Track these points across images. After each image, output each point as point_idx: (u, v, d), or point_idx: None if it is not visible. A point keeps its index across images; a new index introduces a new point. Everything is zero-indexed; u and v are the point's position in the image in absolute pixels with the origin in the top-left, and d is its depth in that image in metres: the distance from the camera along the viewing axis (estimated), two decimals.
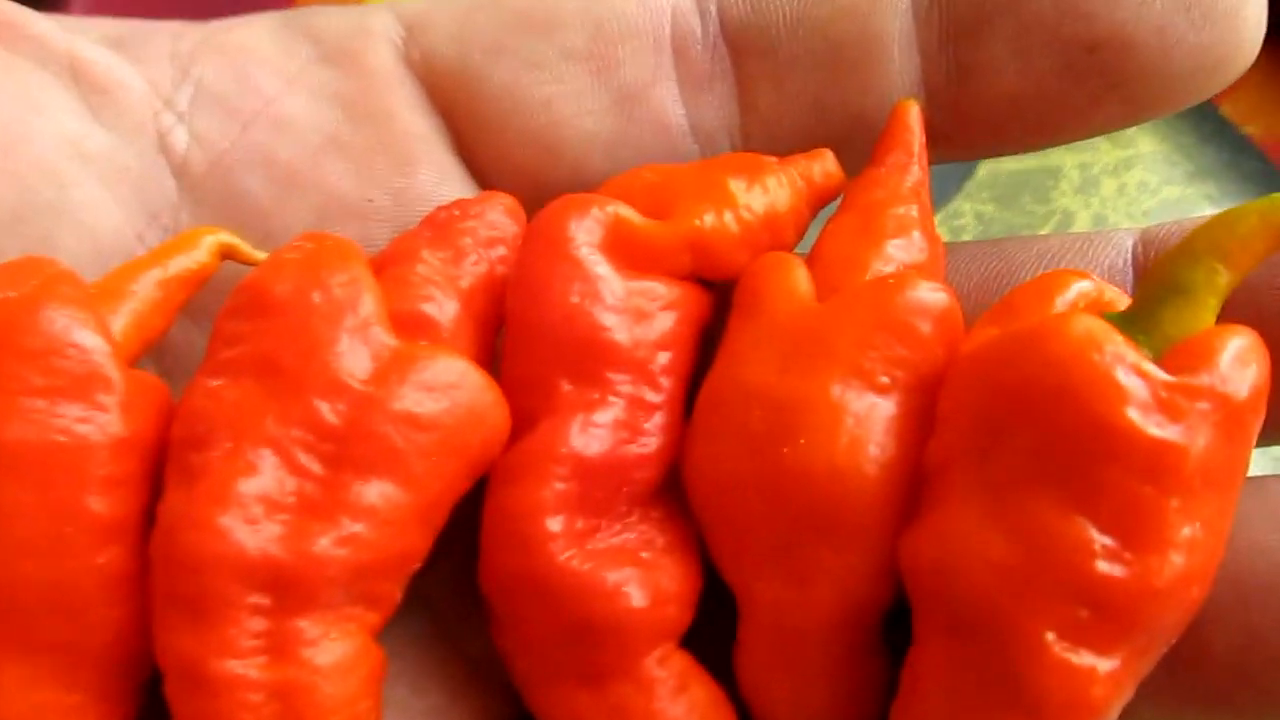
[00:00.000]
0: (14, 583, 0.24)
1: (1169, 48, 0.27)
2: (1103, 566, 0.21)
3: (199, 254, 0.28)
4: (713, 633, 0.27)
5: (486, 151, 0.30)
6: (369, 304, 0.25)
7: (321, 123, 0.30)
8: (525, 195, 0.29)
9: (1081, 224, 0.53)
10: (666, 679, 0.25)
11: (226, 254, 0.28)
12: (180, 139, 0.30)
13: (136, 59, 0.30)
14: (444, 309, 0.27)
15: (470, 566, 0.26)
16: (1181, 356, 0.22)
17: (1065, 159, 0.54)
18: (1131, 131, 0.54)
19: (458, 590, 0.27)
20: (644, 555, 0.26)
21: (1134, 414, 0.21)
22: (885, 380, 0.25)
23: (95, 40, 0.30)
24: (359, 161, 0.30)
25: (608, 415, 0.26)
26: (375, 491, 0.24)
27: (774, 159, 0.28)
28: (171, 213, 0.29)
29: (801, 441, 0.24)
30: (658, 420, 0.26)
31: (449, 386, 0.25)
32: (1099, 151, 0.54)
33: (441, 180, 0.30)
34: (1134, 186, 0.53)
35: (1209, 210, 0.52)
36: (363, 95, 0.30)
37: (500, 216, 0.29)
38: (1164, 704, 0.25)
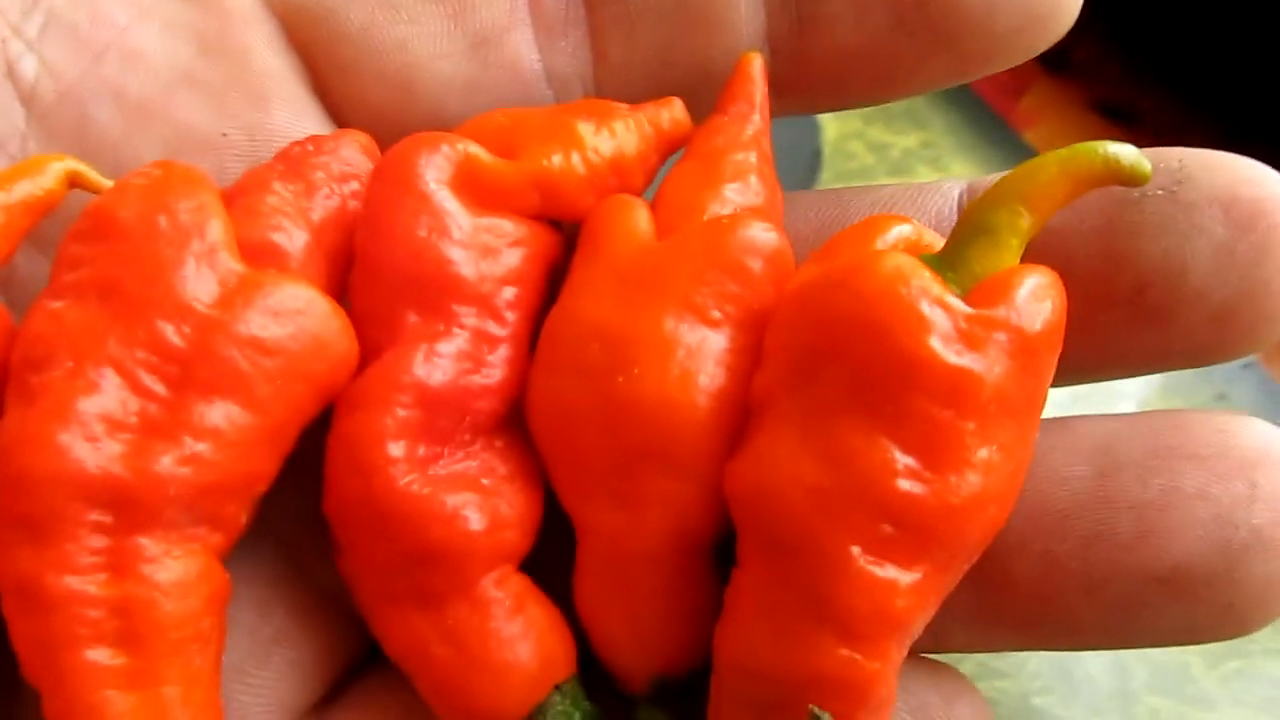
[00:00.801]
0: None
1: (994, 6, 0.28)
2: (904, 485, 0.23)
3: (45, 180, 0.27)
4: (558, 563, 0.27)
5: (343, 91, 0.31)
6: (216, 230, 0.26)
7: (175, 57, 0.30)
8: (382, 136, 0.30)
9: None
10: (503, 599, 0.26)
11: (74, 182, 0.28)
12: (29, 67, 0.29)
13: None
14: (294, 239, 0.27)
15: (319, 497, 0.27)
16: (984, 292, 0.24)
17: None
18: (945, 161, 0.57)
19: (306, 520, 0.28)
20: (485, 482, 0.27)
21: (935, 343, 0.23)
22: (717, 315, 0.26)
23: None
24: (213, 96, 0.30)
25: (451, 346, 0.27)
26: (219, 413, 0.24)
27: (624, 105, 0.29)
28: (19, 141, 0.29)
29: (635, 372, 0.25)
30: (501, 353, 0.27)
31: (295, 313, 0.25)
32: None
33: (297, 118, 0.30)
34: None
35: None
36: (218, 31, 0.30)
37: (354, 154, 0.29)
38: (974, 629, 0.27)
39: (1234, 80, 0.52)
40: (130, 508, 0.24)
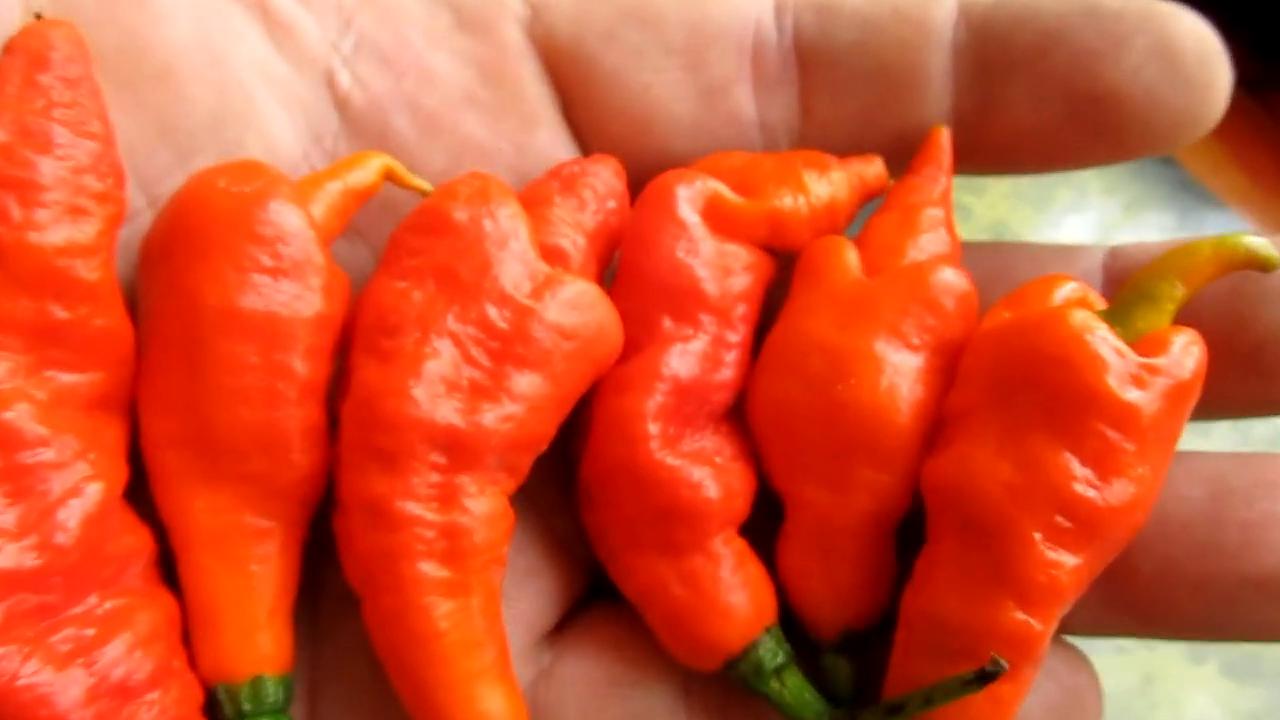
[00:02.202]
0: (232, 424, 0.29)
1: (1154, 106, 0.34)
2: (1080, 489, 0.29)
3: (369, 172, 0.33)
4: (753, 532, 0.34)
5: (590, 122, 0.37)
6: (527, 234, 0.31)
7: (461, 80, 0.36)
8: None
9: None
10: (729, 555, 0.32)
11: (389, 177, 0.34)
12: (344, 79, 0.35)
13: (308, 5, 0.35)
14: (575, 245, 0.33)
15: (559, 463, 0.33)
16: (1147, 345, 0.30)
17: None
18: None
19: (548, 479, 0.34)
20: (718, 460, 0.33)
21: (1112, 381, 0.29)
22: (916, 341, 0.32)
23: None
24: (490, 116, 0.36)
25: (698, 347, 0.33)
26: (527, 383, 0.30)
27: (835, 158, 0.35)
28: (332, 139, 0.35)
29: (851, 382, 0.32)
30: (734, 357, 0.33)
31: (587, 306, 0.31)
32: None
33: (555, 141, 0.36)
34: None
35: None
36: (496, 62, 0.36)
37: (611, 176, 0.35)
38: (1099, 614, 0.33)
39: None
40: (461, 452, 0.29)
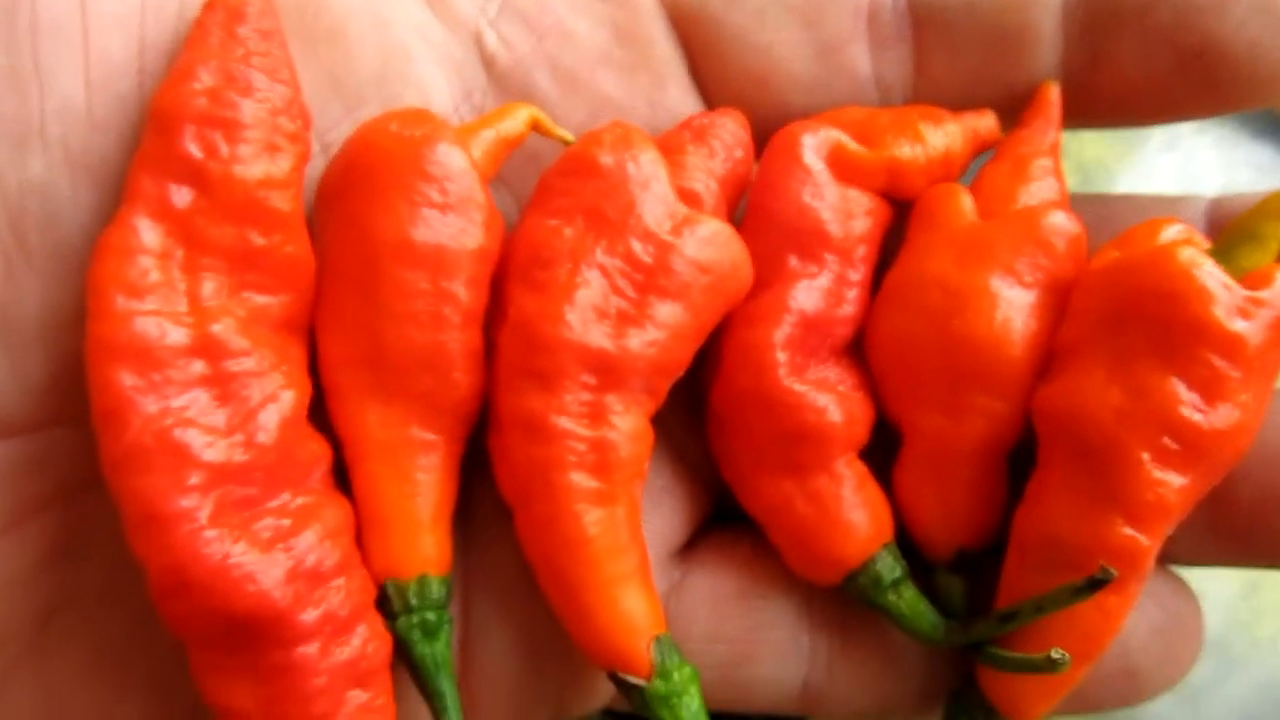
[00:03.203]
0: (401, 345, 0.32)
1: (1257, 59, 0.35)
2: (1187, 413, 0.31)
3: (518, 122, 0.36)
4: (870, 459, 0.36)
5: (715, 79, 0.39)
6: (665, 178, 0.34)
7: (597, 40, 0.38)
8: None
9: None
10: (851, 477, 0.35)
11: (535, 127, 0.36)
12: (491, 39, 0.38)
13: None
14: (708, 188, 0.36)
15: (687, 392, 0.35)
16: (1251, 280, 0.32)
17: None
18: None
19: (679, 407, 0.36)
20: (840, 388, 0.35)
21: (1219, 312, 0.31)
22: (1029, 279, 0.34)
23: None
24: (625, 74, 0.38)
25: (822, 284, 0.35)
26: (669, 312, 0.33)
27: (950, 112, 0.38)
28: (480, 95, 0.37)
29: (968, 315, 0.34)
30: (854, 294, 0.36)
31: (722, 243, 0.34)
32: None
33: (683, 96, 0.39)
34: None
35: None
36: (629, 22, 0.38)
37: (737, 128, 0.37)
38: (1199, 541, 0.35)
39: None
40: (609, 373, 0.32)
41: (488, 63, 0.38)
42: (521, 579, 0.34)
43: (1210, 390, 0.31)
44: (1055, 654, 0.31)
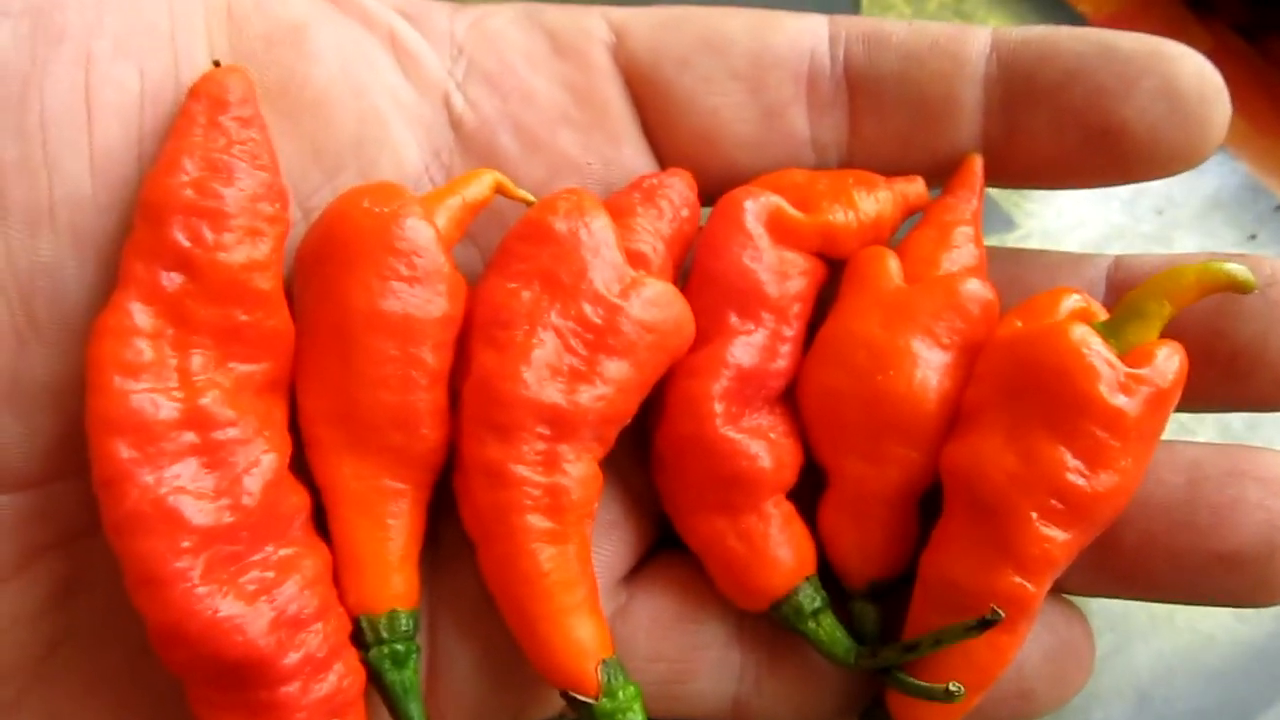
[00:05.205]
0: (373, 405, 0.35)
1: (1156, 141, 0.38)
2: (1072, 478, 0.35)
3: (482, 187, 0.39)
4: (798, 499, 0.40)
5: (666, 139, 0.42)
6: (614, 242, 0.37)
7: (557, 101, 0.41)
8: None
9: None
10: (778, 516, 0.39)
11: (499, 190, 0.39)
12: (459, 101, 0.40)
13: (425, 34, 0.41)
14: (655, 249, 0.39)
15: (636, 431, 0.39)
16: (1135, 356, 0.36)
17: None
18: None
19: (628, 446, 0.39)
20: (771, 435, 0.39)
21: (1103, 389, 0.35)
22: (946, 341, 0.38)
23: (397, 13, 0.41)
24: (582, 133, 0.41)
25: (758, 340, 0.39)
26: (616, 368, 0.36)
27: (882, 178, 0.41)
28: (449, 154, 0.40)
29: (890, 373, 0.37)
30: (788, 349, 0.39)
31: (666, 304, 0.37)
32: None
33: (637, 156, 0.41)
34: None
35: None
36: (586, 85, 0.41)
37: (684, 188, 0.41)
38: (1088, 577, 0.39)
39: None
40: (561, 425, 0.35)
41: (455, 124, 0.40)
42: (483, 604, 0.37)
43: (1093, 458, 0.35)
44: (952, 686, 0.36)
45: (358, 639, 0.36)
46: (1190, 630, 0.56)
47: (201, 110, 0.34)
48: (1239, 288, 0.36)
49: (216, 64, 0.35)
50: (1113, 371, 0.35)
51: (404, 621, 0.36)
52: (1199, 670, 0.55)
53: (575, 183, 0.41)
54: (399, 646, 0.36)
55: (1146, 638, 0.56)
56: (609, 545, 0.40)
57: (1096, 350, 0.35)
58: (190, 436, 0.32)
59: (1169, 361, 0.36)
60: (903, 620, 0.39)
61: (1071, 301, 0.38)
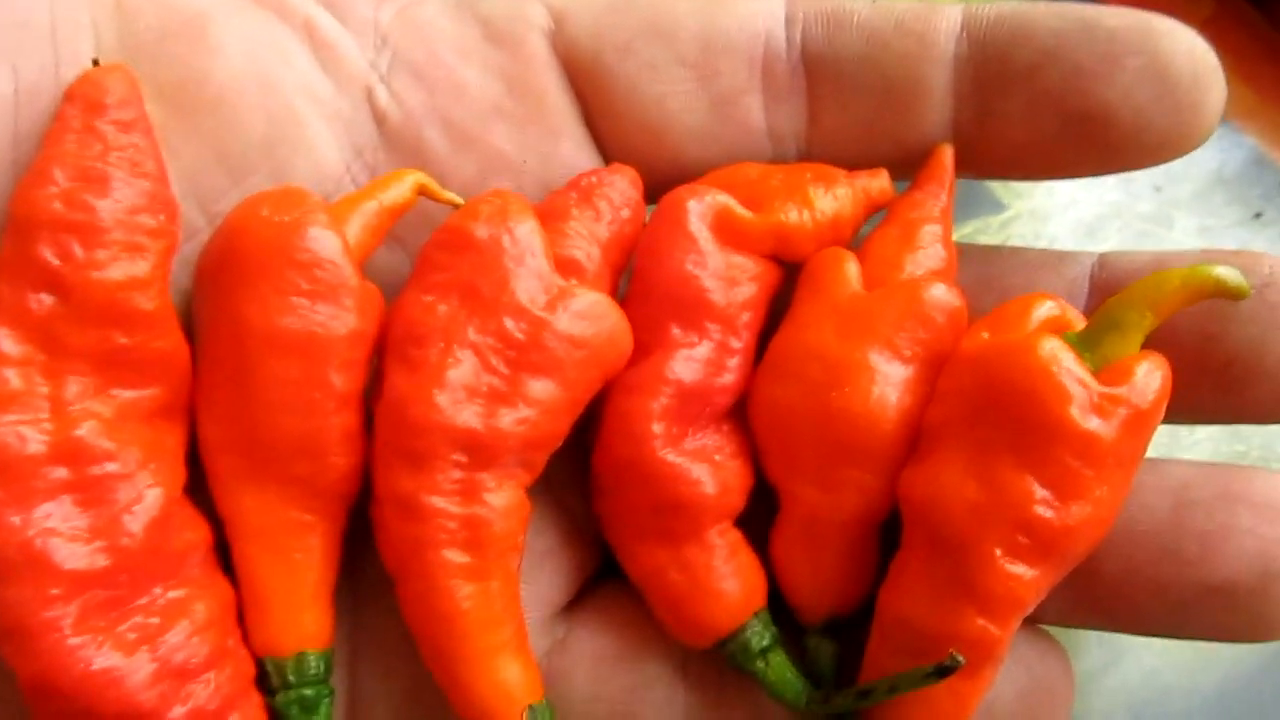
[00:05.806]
0: (276, 432, 0.32)
1: (1143, 126, 0.35)
2: (1039, 510, 0.31)
3: (403, 189, 0.36)
4: (751, 523, 0.37)
5: (609, 131, 0.39)
6: (542, 249, 0.34)
7: (490, 93, 0.38)
8: (636, 171, 0.38)
9: None
10: (723, 546, 0.36)
11: (422, 192, 0.36)
12: (382, 95, 0.37)
13: (345, 24, 0.37)
14: (589, 256, 0.36)
15: (577, 453, 0.36)
16: (1112, 373, 0.32)
17: None
18: None
19: (566, 467, 0.37)
20: (717, 458, 0.36)
21: (1074, 411, 0.31)
22: (908, 353, 0.35)
23: (315, 2, 0.37)
24: (517, 128, 0.38)
25: (702, 353, 0.35)
26: (541, 388, 0.33)
27: (843, 172, 0.37)
28: (372, 152, 0.37)
29: (845, 390, 0.34)
30: (736, 362, 0.36)
31: (597, 316, 0.34)
32: None
33: (578, 151, 0.38)
34: None
35: None
36: (522, 74, 0.38)
37: (627, 186, 0.37)
38: (1066, 608, 0.35)
39: None
40: (480, 452, 0.32)
41: (379, 119, 0.37)
42: (406, 643, 0.34)
43: (1063, 488, 0.32)
44: None
45: (263, 684, 0.33)
46: (1186, 647, 0.52)
47: (76, 114, 0.31)
48: (1230, 294, 0.32)
49: (96, 62, 0.32)
50: (1085, 392, 0.32)
51: (314, 664, 0.33)
52: (1195, 690, 0.52)
53: (509, 181, 0.38)
54: (307, 691, 0.33)
55: (1139, 654, 0.53)
56: (543, 575, 0.37)
57: (1068, 368, 0.32)
58: (62, 472, 0.30)
59: (1149, 378, 0.32)
60: (862, 657, 0.36)
61: (1044, 310, 0.34)
